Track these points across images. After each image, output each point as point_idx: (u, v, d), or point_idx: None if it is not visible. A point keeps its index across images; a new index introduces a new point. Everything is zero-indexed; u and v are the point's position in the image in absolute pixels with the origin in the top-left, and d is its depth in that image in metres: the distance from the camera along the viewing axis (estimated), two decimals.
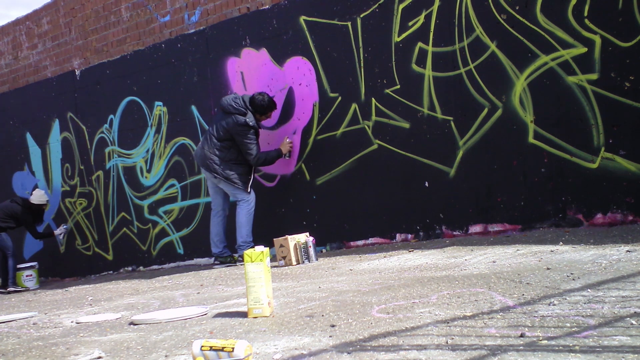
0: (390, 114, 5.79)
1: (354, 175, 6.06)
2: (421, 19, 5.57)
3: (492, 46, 5.20)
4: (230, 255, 6.18)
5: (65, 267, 8.93)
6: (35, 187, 8.73)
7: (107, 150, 8.26)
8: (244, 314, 2.95)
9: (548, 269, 3.27)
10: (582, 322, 2.10)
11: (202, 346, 2.11)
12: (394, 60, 5.75)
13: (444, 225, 5.55)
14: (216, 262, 6.20)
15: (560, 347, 1.83)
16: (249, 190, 6.14)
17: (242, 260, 5.86)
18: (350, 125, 6.05)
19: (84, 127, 8.51)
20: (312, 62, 6.29)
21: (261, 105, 6.02)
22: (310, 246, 5.37)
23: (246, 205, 6.06)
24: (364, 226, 6.03)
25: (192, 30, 7.27)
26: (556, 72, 4.91)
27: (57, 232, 8.58)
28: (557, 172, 4.95)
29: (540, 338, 1.95)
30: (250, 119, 5.94)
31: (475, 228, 5.37)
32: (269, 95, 6.12)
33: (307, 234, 5.64)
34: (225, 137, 5.98)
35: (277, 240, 5.50)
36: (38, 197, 8.31)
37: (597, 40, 4.71)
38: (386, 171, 5.85)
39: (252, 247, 5.65)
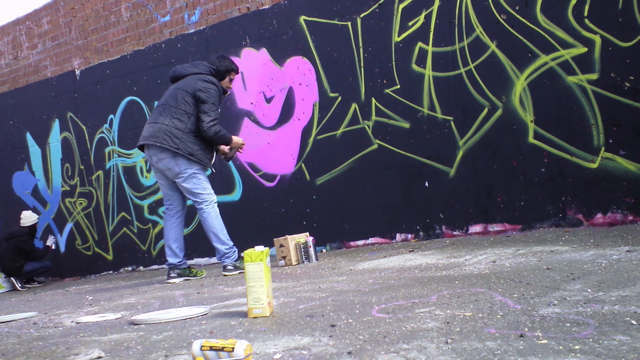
0: (390, 114, 5.79)
1: (354, 175, 6.06)
2: (421, 19, 5.57)
3: (492, 46, 5.20)
4: (189, 267, 5.37)
5: (65, 267, 8.93)
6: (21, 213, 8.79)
7: (107, 150, 8.26)
8: (244, 314, 2.95)
9: (548, 269, 3.27)
10: (582, 322, 2.10)
11: (202, 346, 2.10)
12: (394, 60, 5.75)
13: (444, 225, 5.55)
14: (173, 274, 5.27)
15: (560, 347, 1.83)
16: (212, 168, 5.37)
17: (195, 274, 5.26)
18: (350, 125, 6.06)
19: (84, 127, 8.51)
20: (312, 62, 6.29)
21: (224, 67, 5.28)
22: (310, 246, 5.36)
23: (213, 207, 5.12)
24: (364, 226, 6.03)
25: (192, 30, 7.28)
26: (556, 72, 4.91)
27: (48, 243, 8.68)
28: (557, 172, 4.95)
29: (540, 338, 1.95)
30: (214, 79, 5.17)
31: (475, 228, 5.37)
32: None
33: (307, 234, 5.63)
34: (186, 101, 5.05)
35: (277, 240, 5.49)
36: (30, 218, 8.52)
37: (597, 40, 4.71)
38: (386, 171, 5.85)
39: (236, 251, 5.13)
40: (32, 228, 8.58)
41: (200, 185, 5.10)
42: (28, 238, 8.49)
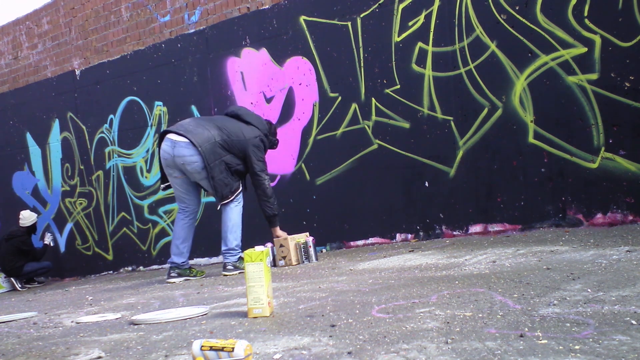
0: (390, 114, 5.80)
1: (354, 175, 6.06)
2: (421, 19, 5.57)
3: (492, 46, 5.20)
4: (189, 268, 5.36)
5: (65, 267, 8.93)
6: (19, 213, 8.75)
7: (107, 150, 8.26)
8: (244, 314, 2.95)
9: (548, 269, 3.27)
10: (582, 322, 2.10)
11: (202, 346, 2.10)
12: (394, 60, 5.75)
13: (444, 225, 5.55)
14: (173, 274, 5.27)
15: (560, 347, 1.83)
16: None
17: (195, 274, 5.24)
18: (350, 125, 6.06)
19: (84, 127, 8.51)
20: (312, 62, 6.29)
21: (270, 142, 5.33)
22: (310, 246, 5.36)
23: (240, 203, 5.15)
24: (364, 226, 6.03)
25: (192, 30, 7.28)
26: (556, 72, 4.91)
27: (46, 242, 8.69)
28: (557, 172, 4.95)
29: (540, 338, 1.95)
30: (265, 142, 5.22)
31: (475, 228, 5.37)
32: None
33: (307, 234, 5.63)
34: (239, 147, 5.04)
35: (277, 240, 5.49)
36: (29, 219, 8.52)
37: (597, 40, 4.71)
38: (386, 171, 5.85)
39: (240, 253, 5.14)
40: (32, 228, 8.59)
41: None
42: (27, 238, 8.50)
